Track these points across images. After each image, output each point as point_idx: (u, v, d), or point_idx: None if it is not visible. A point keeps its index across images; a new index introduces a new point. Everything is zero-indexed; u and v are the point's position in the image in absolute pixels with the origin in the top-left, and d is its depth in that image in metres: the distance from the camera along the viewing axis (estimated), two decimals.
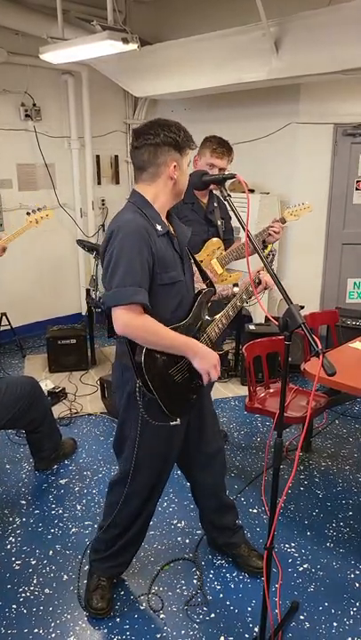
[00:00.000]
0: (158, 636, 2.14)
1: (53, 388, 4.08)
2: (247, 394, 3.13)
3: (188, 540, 2.65)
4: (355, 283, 5.20)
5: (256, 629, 2.12)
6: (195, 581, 2.40)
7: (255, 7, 3.42)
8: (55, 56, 4.03)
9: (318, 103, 4.73)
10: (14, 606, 2.27)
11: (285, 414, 2.45)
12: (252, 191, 4.88)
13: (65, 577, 2.42)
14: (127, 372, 1.92)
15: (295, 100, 4.76)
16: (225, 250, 3.02)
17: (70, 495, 3.01)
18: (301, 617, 2.22)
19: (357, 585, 2.39)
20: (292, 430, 3.63)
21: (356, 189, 4.96)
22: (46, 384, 4.04)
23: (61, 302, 5.70)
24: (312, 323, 3.52)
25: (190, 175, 2.16)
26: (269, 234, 2.99)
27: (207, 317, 2.08)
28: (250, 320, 4.95)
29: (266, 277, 2.17)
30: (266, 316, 4.62)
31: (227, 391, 4.28)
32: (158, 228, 1.88)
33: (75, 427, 3.75)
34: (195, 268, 2.18)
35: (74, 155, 5.42)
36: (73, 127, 5.32)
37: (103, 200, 5.79)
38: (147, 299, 1.77)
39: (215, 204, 3.04)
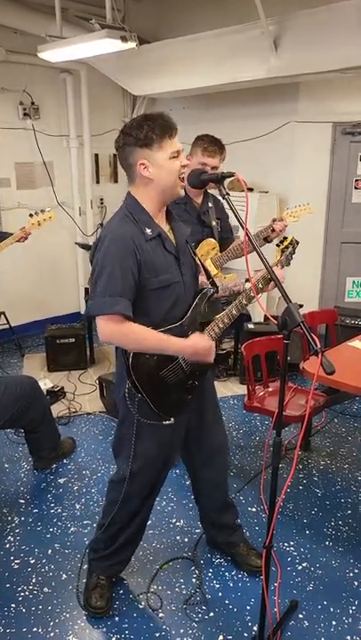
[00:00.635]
0: (157, 634, 2.14)
1: (52, 387, 4.07)
2: (246, 393, 3.13)
3: (186, 539, 2.65)
4: (354, 282, 5.20)
5: (255, 628, 2.12)
6: (194, 580, 2.40)
7: (254, 5, 3.41)
8: (54, 54, 4.02)
9: (317, 102, 4.73)
10: (13, 605, 2.27)
11: (284, 413, 2.45)
12: (250, 190, 4.88)
13: (64, 576, 2.42)
14: (124, 371, 1.93)
15: (294, 98, 4.76)
16: (224, 249, 2.99)
17: (69, 494, 3.00)
18: (300, 615, 2.22)
19: (356, 583, 2.39)
20: (291, 429, 3.63)
21: (355, 188, 4.96)
22: (45, 383, 4.04)
23: (60, 301, 5.69)
24: (311, 322, 3.52)
25: (189, 174, 2.15)
26: (273, 230, 2.95)
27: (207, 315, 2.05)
28: (249, 319, 4.94)
29: (279, 273, 2.23)
30: (265, 315, 4.60)
31: (226, 390, 4.28)
32: (147, 231, 1.85)
33: (73, 426, 3.75)
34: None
35: (72, 153, 5.41)
36: (71, 126, 5.31)
37: (102, 199, 5.78)
38: (128, 308, 1.77)
39: (210, 204, 2.99)
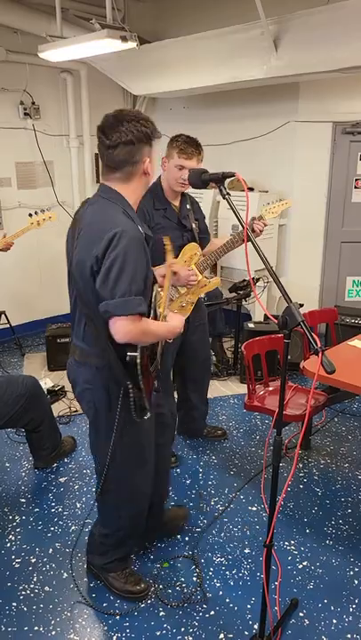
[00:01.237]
0: (158, 633, 2.15)
1: (53, 386, 4.08)
2: (246, 392, 3.13)
3: (187, 538, 2.66)
4: (354, 281, 5.21)
5: (256, 626, 2.12)
6: (194, 579, 2.40)
7: (254, 5, 3.42)
8: (54, 54, 4.02)
9: (317, 101, 4.73)
10: (14, 604, 2.27)
11: (285, 412, 2.46)
12: (251, 189, 4.88)
13: (65, 575, 2.43)
14: (103, 374, 1.94)
15: (294, 98, 4.76)
16: (201, 248, 2.95)
17: (70, 493, 3.01)
18: (301, 614, 2.23)
19: (356, 582, 2.40)
20: (291, 428, 3.64)
21: (355, 187, 4.96)
22: (46, 382, 4.05)
23: (60, 301, 5.65)
24: (311, 321, 3.53)
25: (189, 174, 2.16)
26: (253, 230, 2.88)
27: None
28: (249, 318, 4.95)
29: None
30: (265, 314, 4.63)
31: (226, 389, 4.29)
32: (141, 230, 1.88)
33: (74, 425, 3.75)
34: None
35: (73, 153, 5.41)
36: (72, 125, 5.32)
37: None
38: (147, 308, 1.82)
39: (188, 206, 2.95)
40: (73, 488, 3.05)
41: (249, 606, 2.27)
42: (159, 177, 2.85)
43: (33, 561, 2.51)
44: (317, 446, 3.48)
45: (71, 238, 1.95)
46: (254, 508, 2.88)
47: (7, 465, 3.28)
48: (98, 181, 5.71)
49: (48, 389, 3.98)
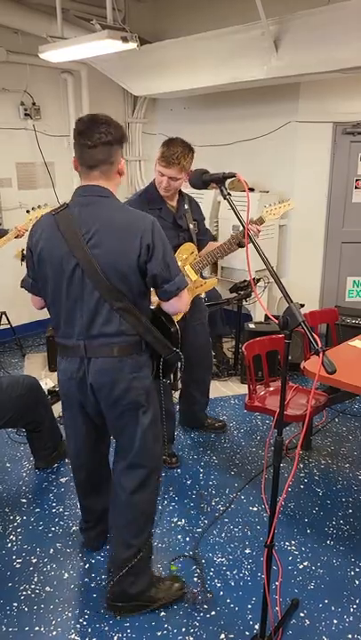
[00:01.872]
0: (159, 633, 2.15)
1: (53, 386, 4.07)
2: (247, 392, 3.13)
3: (188, 538, 2.66)
4: (354, 281, 5.21)
5: (256, 627, 2.12)
6: (195, 579, 2.40)
7: (255, 6, 3.42)
8: (54, 55, 4.03)
9: (318, 102, 4.73)
10: (15, 604, 2.28)
11: (285, 412, 2.45)
12: (251, 190, 4.88)
13: (66, 575, 2.43)
14: (143, 356, 2.04)
15: (295, 98, 4.76)
16: (199, 250, 2.94)
17: (71, 493, 3.01)
18: (301, 614, 2.23)
19: (357, 582, 2.40)
20: (291, 428, 3.64)
21: (356, 188, 4.96)
22: (46, 383, 4.04)
23: None
24: (312, 321, 3.53)
25: (191, 174, 2.17)
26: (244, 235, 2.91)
27: None
28: (250, 318, 4.95)
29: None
30: (266, 315, 4.63)
31: (226, 390, 4.28)
32: None
33: None
34: None
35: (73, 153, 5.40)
36: (72, 126, 5.25)
37: None
38: None
39: (186, 206, 2.93)
40: (74, 488, 3.05)
41: (250, 606, 2.27)
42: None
43: (34, 561, 2.52)
44: (318, 446, 3.48)
45: (64, 245, 1.90)
46: (255, 509, 2.88)
47: (8, 465, 3.28)
48: None
49: (49, 390, 3.97)
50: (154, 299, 2.07)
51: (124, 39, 3.52)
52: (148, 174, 5.82)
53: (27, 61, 4.77)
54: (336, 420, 3.82)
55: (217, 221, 5.01)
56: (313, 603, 2.29)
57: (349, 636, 2.14)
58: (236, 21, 3.94)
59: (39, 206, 3.83)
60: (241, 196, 3.30)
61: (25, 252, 2.07)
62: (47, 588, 2.36)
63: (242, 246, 2.92)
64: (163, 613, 2.23)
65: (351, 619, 2.21)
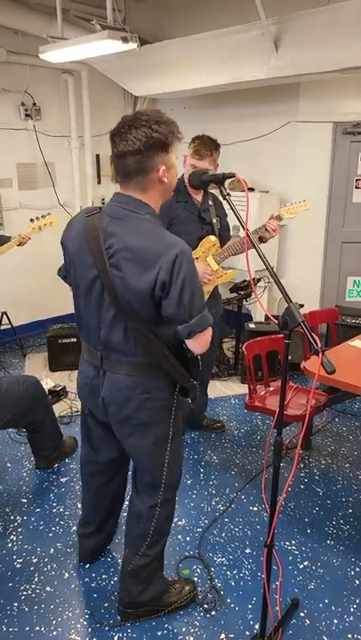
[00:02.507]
0: (159, 633, 2.15)
1: (54, 386, 4.09)
2: (247, 392, 3.14)
3: (188, 538, 2.66)
4: (354, 281, 5.21)
5: (257, 626, 2.13)
6: (195, 579, 2.41)
7: (255, 6, 3.42)
8: (55, 55, 4.02)
9: (318, 102, 4.73)
10: (15, 604, 2.28)
11: (285, 412, 2.45)
12: (251, 190, 4.89)
13: (66, 575, 2.43)
14: (161, 379, 1.91)
15: (295, 98, 4.76)
16: (222, 245, 3.04)
17: (71, 493, 3.01)
18: (302, 614, 2.23)
19: (357, 582, 2.40)
20: (292, 428, 3.64)
21: (356, 188, 4.96)
22: (47, 383, 4.05)
23: (62, 301, 5.65)
24: (312, 321, 3.53)
25: (190, 175, 2.17)
26: (266, 229, 2.99)
27: None
28: (250, 318, 4.96)
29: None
30: (266, 315, 4.63)
31: (227, 389, 4.29)
32: None
33: (75, 425, 3.75)
34: None
35: (74, 154, 5.42)
36: (73, 126, 5.32)
37: (103, 199, 5.79)
38: None
39: (210, 202, 3.05)
40: (74, 488, 3.06)
41: (250, 606, 2.27)
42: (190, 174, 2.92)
43: (34, 561, 2.52)
44: (318, 446, 3.48)
45: (89, 254, 1.79)
46: (255, 508, 2.89)
47: (9, 465, 3.29)
48: (99, 182, 5.73)
49: (49, 390, 3.98)
50: None
51: (125, 39, 3.52)
52: None
53: (27, 62, 4.78)
54: (336, 419, 3.83)
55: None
56: (313, 602, 2.29)
57: (350, 635, 2.14)
58: (236, 21, 3.94)
59: (43, 216, 3.84)
60: (241, 196, 3.31)
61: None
62: (48, 588, 2.36)
63: (263, 241, 3.01)
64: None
65: (351, 618, 2.21)
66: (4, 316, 4.90)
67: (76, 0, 4.65)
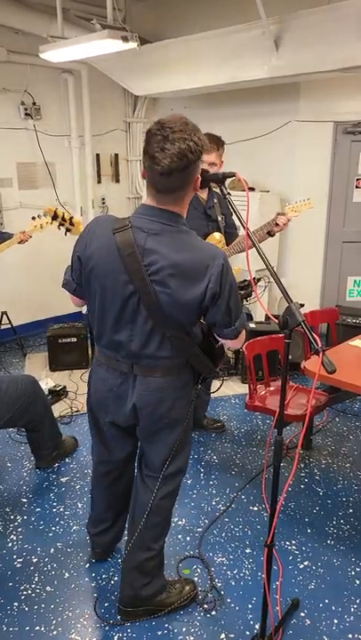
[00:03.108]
0: (159, 633, 2.15)
1: (54, 386, 4.08)
2: (247, 392, 3.13)
3: (188, 538, 2.66)
4: (355, 281, 5.21)
5: (257, 626, 2.12)
6: (195, 579, 2.40)
7: (255, 5, 3.42)
8: (55, 55, 4.02)
9: (318, 101, 4.73)
10: (16, 604, 2.28)
11: (286, 412, 2.45)
12: (252, 189, 4.88)
13: (66, 574, 2.43)
14: (187, 377, 1.99)
15: (295, 98, 4.76)
16: (228, 243, 3.08)
17: (71, 493, 3.01)
18: (302, 614, 2.23)
19: (358, 582, 2.40)
20: (292, 428, 3.64)
21: (356, 187, 4.96)
22: (47, 382, 4.05)
23: (62, 301, 5.61)
24: (312, 321, 3.53)
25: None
26: (276, 224, 3.04)
27: None
28: (250, 318, 4.95)
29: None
30: (266, 314, 4.63)
31: (227, 389, 4.28)
32: None
33: (75, 425, 3.76)
34: None
35: (74, 153, 5.41)
36: (73, 126, 5.32)
37: (103, 199, 5.80)
38: None
39: (215, 200, 3.09)
40: (74, 488, 3.06)
41: (250, 606, 2.27)
42: None
43: (34, 561, 2.52)
44: (319, 446, 3.48)
45: (124, 271, 1.75)
46: (255, 508, 2.88)
47: (9, 465, 3.29)
48: (99, 182, 5.72)
49: (49, 389, 3.98)
50: None
51: (125, 39, 3.51)
52: None
53: (27, 61, 4.77)
54: (337, 419, 3.82)
55: None
56: (313, 602, 2.29)
57: (350, 635, 2.14)
58: (236, 21, 3.94)
59: (45, 214, 3.82)
60: (241, 196, 3.31)
61: (72, 254, 1.91)
62: (48, 588, 2.36)
63: (272, 235, 3.09)
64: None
65: (352, 618, 2.21)
66: (4, 315, 4.90)
67: (76, 0, 4.65)
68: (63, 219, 2.65)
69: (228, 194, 1.90)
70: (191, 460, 3.31)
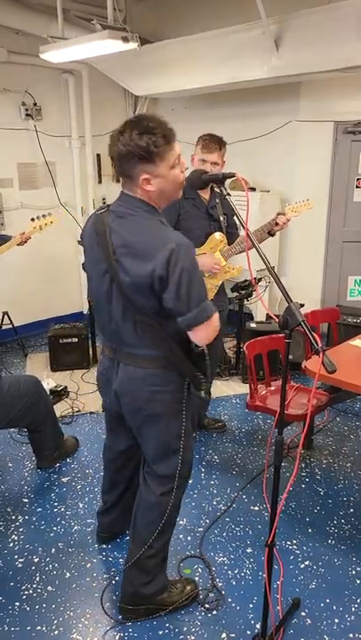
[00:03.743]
0: (160, 632, 2.15)
1: (55, 386, 4.09)
2: (248, 392, 3.14)
3: (189, 537, 2.67)
4: (355, 280, 5.20)
5: (258, 626, 2.12)
6: (196, 578, 2.41)
7: (255, 5, 3.42)
8: (55, 55, 4.03)
9: (319, 101, 4.73)
10: (17, 604, 2.28)
11: (286, 412, 2.46)
12: (252, 189, 4.88)
13: (67, 574, 2.44)
14: (170, 372, 1.95)
15: (296, 97, 4.76)
16: (230, 243, 3.10)
17: (72, 493, 3.02)
18: (303, 613, 2.23)
19: (359, 582, 2.40)
20: (293, 428, 3.64)
21: (357, 187, 4.96)
22: (48, 382, 4.05)
23: (63, 301, 5.70)
24: (313, 320, 3.53)
25: (190, 174, 2.17)
26: (276, 223, 3.07)
27: None
28: (251, 318, 4.96)
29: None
30: (267, 314, 4.63)
31: (228, 389, 4.29)
32: None
33: (77, 425, 3.76)
34: None
35: (74, 153, 5.42)
36: (73, 126, 5.32)
37: (104, 199, 5.79)
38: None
39: (217, 200, 3.10)
40: (75, 488, 3.06)
41: (251, 606, 2.27)
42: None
43: (36, 560, 2.52)
44: (319, 446, 3.48)
45: (99, 249, 1.87)
46: (256, 508, 2.89)
47: (10, 465, 3.29)
48: (100, 182, 5.73)
49: (51, 390, 3.99)
50: None
51: (125, 39, 3.52)
52: None
53: (28, 62, 4.78)
54: (337, 419, 3.83)
55: None
56: (314, 602, 2.29)
57: (351, 635, 2.14)
58: (236, 21, 3.94)
59: (43, 215, 3.84)
60: (242, 196, 3.32)
61: None
62: (49, 588, 2.37)
63: (272, 235, 3.13)
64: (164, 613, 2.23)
65: (353, 618, 2.21)
66: (6, 316, 4.91)
67: (77, 0, 4.65)
68: None
69: (228, 194, 1.90)
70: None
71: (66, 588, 2.37)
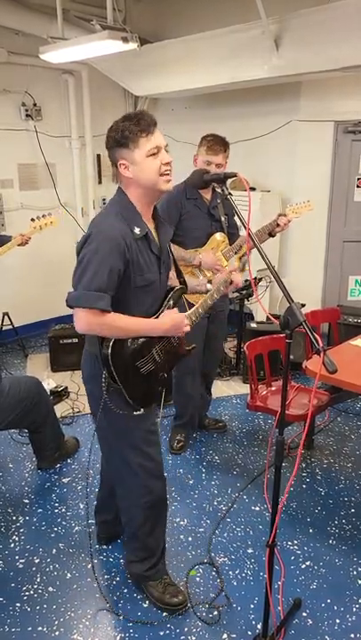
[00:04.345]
0: (162, 633, 2.15)
1: (55, 387, 4.09)
2: (249, 392, 3.13)
3: (190, 538, 2.66)
4: (356, 280, 5.20)
5: (259, 626, 2.12)
6: (197, 579, 2.41)
7: (255, 5, 3.42)
8: (55, 56, 4.03)
9: (319, 101, 4.73)
10: (18, 604, 2.28)
11: (287, 412, 2.45)
12: (253, 189, 4.88)
13: (68, 575, 2.43)
14: (97, 362, 1.96)
15: (296, 97, 4.76)
16: (230, 243, 3.11)
17: (73, 494, 3.02)
18: (304, 614, 2.23)
19: (360, 582, 2.40)
20: (294, 428, 3.63)
21: (357, 187, 4.96)
22: (48, 383, 4.05)
23: (63, 301, 5.65)
24: (313, 320, 3.53)
25: (191, 174, 2.17)
26: (278, 224, 3.09)
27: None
28: (251, 318, 4.95)
29: (236, 278, 2.30)
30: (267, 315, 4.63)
31: (228, 389, 4.29)
32: (136, 230, 1.88)
33: (77, 425, 3.76)
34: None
35: (75, 154, 5.42)
36: (73, 126, 5.32)
37: (104, 199, 5.79)
38: (109, 305, 1.80)
39: (218, 200, 3.10)
40: (76, 488, 3.06)
41: (252, 606, 2.27)
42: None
43: (36, 561, 2.52)
44: (320, 446, 3.48)
45: None
46: (257, 508, 2.88)
47: (10, 466, 3.29)
48: (100, 182, 5.73)
49: (51, 390, 3.99)
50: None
51: (125, 39, 3.52)
52: None
53: (28, 62, 4.78)
54: (338, 419, 3.82)
55: None
56: (315, 602, 2.29)
57: (352, 635, 2.14)
58: (236, 21, 3.94)
59: (43, 215, 3.84)
60: (243, 196, 3.32)
61: None
62: (50, 589, 2.36)
63: (273, 235, 3.15)
64: (165, 613, 2.23)
65: (354, 618, 2.21)
66: (6, 316, 4.90)
67: (76, 0, 4.65)
68: None
69: (230, 194, 1.90)
70: (193, 461, 3.31)
71: (66, 588, 2.37)
